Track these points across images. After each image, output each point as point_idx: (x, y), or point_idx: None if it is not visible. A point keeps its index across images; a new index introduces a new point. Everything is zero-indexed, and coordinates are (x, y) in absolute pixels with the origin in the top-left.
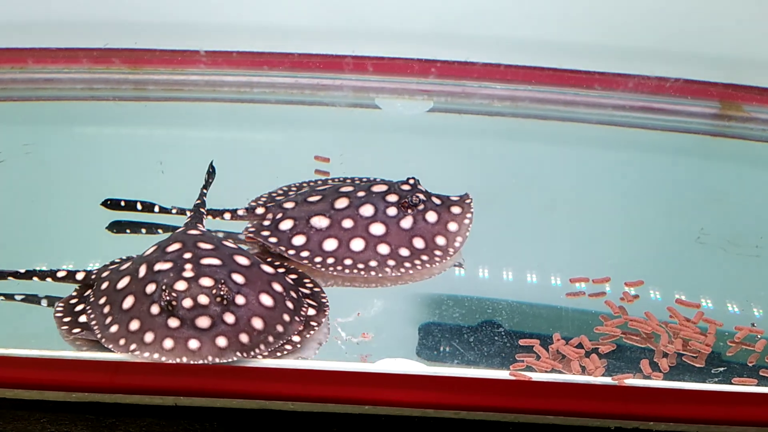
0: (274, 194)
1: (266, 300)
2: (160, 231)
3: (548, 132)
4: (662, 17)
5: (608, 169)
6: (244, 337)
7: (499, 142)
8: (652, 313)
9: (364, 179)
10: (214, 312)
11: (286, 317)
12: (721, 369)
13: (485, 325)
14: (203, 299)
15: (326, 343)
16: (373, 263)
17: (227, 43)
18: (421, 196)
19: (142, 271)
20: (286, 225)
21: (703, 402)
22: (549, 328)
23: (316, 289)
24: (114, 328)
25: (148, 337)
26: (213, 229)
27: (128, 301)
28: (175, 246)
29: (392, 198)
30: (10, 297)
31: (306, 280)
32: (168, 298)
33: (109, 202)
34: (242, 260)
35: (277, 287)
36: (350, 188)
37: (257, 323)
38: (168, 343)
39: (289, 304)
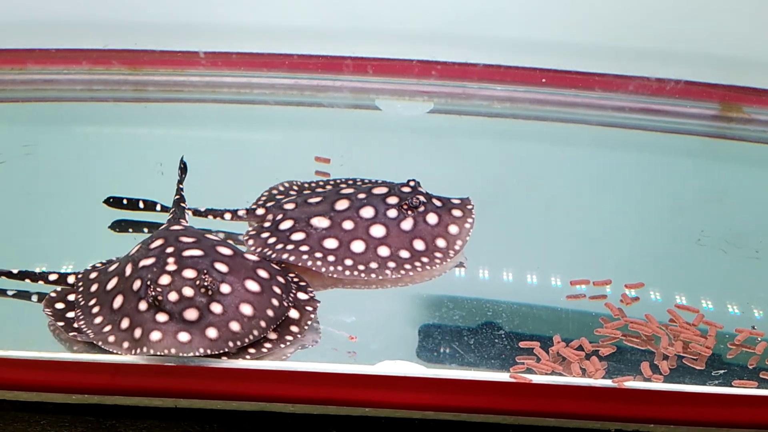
0: (275, 191)
1: (252, 286)
2: None
3: (548, 133)
4: (662, 19)
5: (608, 170)
6: (234, 325)
7: (499, 143)
8: (653, 315)
9: (365, 181)
10: (200, 303)
11: (275, 302)
12: (722, 371)
13: (485, 327)
14: (188, 291)
15: (318, 344)
16: (373, 265)
17: (227, 44)
18: (422, 198)
19: (128, 269)
20: (286, 226)
21: (703, 404)
22: (549, 330)
23: (302, 283)
24: (107, 328)
25: (138, 332)
26: (214, 230)
27: (118, 301)
28: (158, 242)
29: (393, 200)
30: (2, 293)
31: (291, 274)
32: (153, 293)
33: (111, 200)
34: (225, 250)
35: (263, 273)
36: (351, 190)
37: (246, 309)
38: (155, 336)
39: (277, 289)
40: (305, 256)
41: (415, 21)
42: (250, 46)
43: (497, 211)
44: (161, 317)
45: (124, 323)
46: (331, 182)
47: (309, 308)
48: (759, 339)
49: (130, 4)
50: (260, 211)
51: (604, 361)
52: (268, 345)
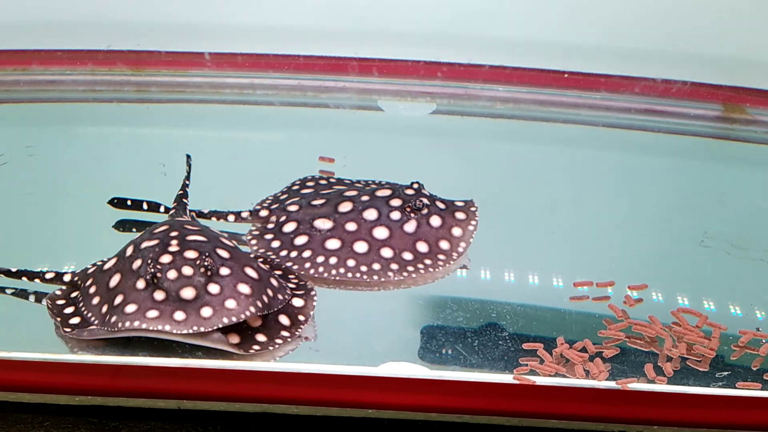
0: (279, 194)
1: (251, 273)
2: None
3: (551, 134)
4: (665, 20)
5: (611, 171)
6: (230, 303)
7: (502, 144)
8: (656, 316)
9: (369, 182)
10: (198, 282)
11: (270, 292)
12: (725, 373)
13: (488, 329)
14: (187, 270)
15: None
16: (376, 267)
17: (230, 45)
18: (426, 201)
19: (129, 250)
20: (289, 227)
21: (707, 406)
22: (553, 332)
23: (302, 282)
24: (104, 309)
25: (131, 309)
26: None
27: (115, 279)
28: (163, 228)
29: (396, 202)
30: (1, 290)
31: (291, 275)
32: (152, 270)
33: (115, 201)
34: (227, 242)
35: (262, 266)
36: (354, 192)
37: (244, 288)
38: (152, 314)
39: (274, 282)
40: (308, 264)
41: (418, 22)
42: (254, 47)
43: (500, 212)
44: (159, 295)
45: (118, 299)
46: (335, 183)
47: (301, 317)
48: (763, 341)
49: (133, 5)
50: (264, 213)
51: (608, 363)
52: (256, 347)
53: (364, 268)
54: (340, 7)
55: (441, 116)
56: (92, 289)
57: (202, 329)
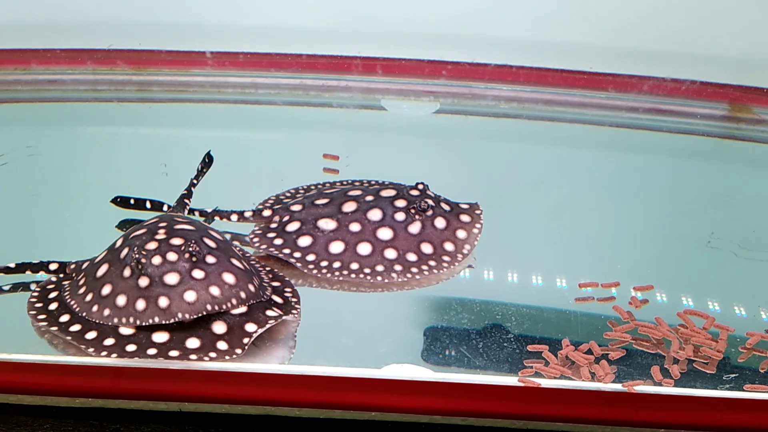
0: (282, 196)
1: (237, 264)
2: None
3: (555, 134)
4: (671, 20)
5: (616, 171)
6: (214, 290)
7: (506, 144)
8: (662, 318)
9: (373, 182)
10: (183, 268)
11: (256, 283)
12: (733, 375)
13: (493, 330)
14: (172, 256)
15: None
16: (379, 268)
17: (232, 44)
18: (430, 202)
19: (119, 242)
20: (292, 227)
21: (714, 409)
22: (558, 333)
23: (287, 289)
24: (89, 297)
25: (121, 300)
26: (220, 231)
27: (102, 269)
28: (153, 219)
29: (401, 203)
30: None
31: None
32: (137, 256)
33: (118, 200)
34: (217, 235)
35: (248, 262)
36: (359, 192)
37: (228, 278)
38: (140, 305)
39: (256, 279)
40: (311, 264)
41: (422, 21)
42: (256, 46)
43: (505, 213)
44: (143, 281)
45: (106, 289)
46: (339, 184)
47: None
48: None
49: (135, 4)
50: (267, 213)
51: (614, 365)
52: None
53: (367, 269)
54: (343, 5)
55: (445, 116)
56: (81, 281)
57: (186, 316)
